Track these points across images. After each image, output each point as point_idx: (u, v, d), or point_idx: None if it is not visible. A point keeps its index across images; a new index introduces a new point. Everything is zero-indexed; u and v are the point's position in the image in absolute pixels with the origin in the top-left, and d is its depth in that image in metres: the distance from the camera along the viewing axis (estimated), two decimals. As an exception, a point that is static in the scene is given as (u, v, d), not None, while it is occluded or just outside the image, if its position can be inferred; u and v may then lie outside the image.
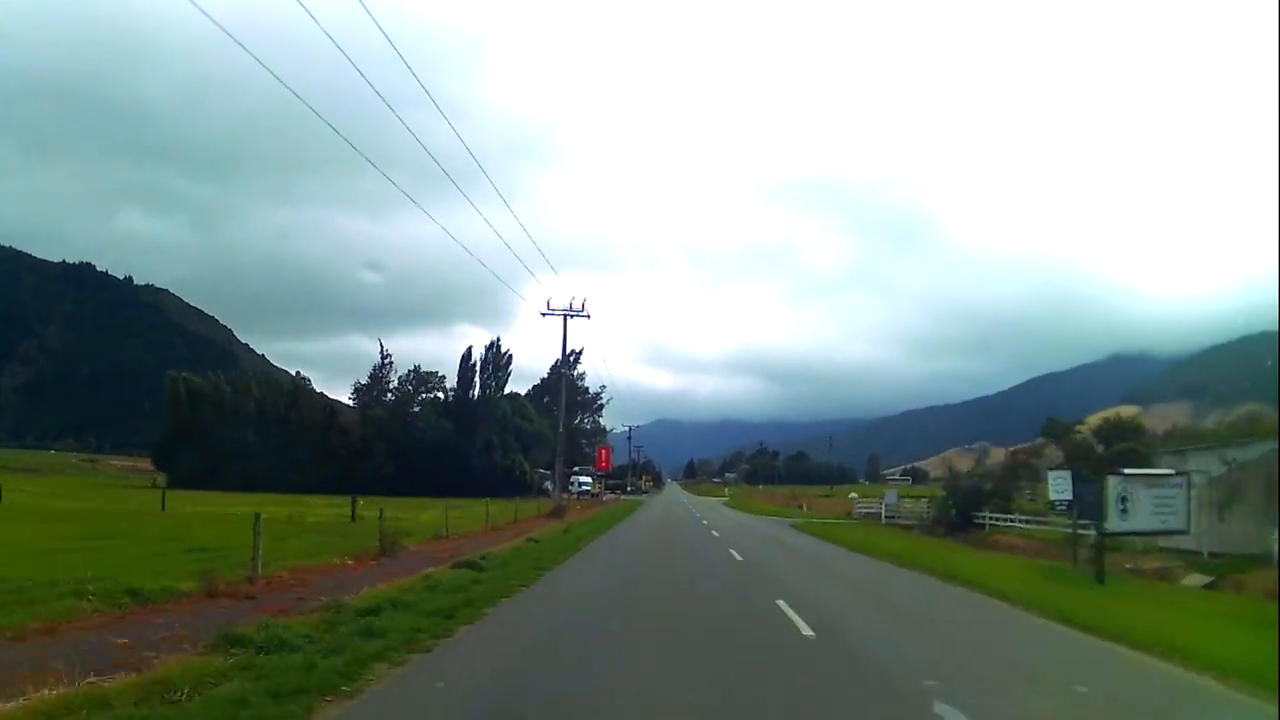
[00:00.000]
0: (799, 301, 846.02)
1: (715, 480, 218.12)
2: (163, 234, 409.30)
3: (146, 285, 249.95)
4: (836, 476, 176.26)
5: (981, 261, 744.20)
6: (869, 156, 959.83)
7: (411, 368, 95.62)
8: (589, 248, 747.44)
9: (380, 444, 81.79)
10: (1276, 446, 22.34)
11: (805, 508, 73.64)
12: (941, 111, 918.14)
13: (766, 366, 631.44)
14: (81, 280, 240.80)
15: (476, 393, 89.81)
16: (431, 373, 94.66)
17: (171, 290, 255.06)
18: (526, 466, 78.06)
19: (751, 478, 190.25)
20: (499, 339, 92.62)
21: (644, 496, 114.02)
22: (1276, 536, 20.15)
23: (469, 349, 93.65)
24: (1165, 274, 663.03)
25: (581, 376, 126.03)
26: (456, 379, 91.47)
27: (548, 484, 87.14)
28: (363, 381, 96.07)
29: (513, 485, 77.21)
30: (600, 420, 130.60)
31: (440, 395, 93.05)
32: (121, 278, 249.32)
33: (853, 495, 74.37)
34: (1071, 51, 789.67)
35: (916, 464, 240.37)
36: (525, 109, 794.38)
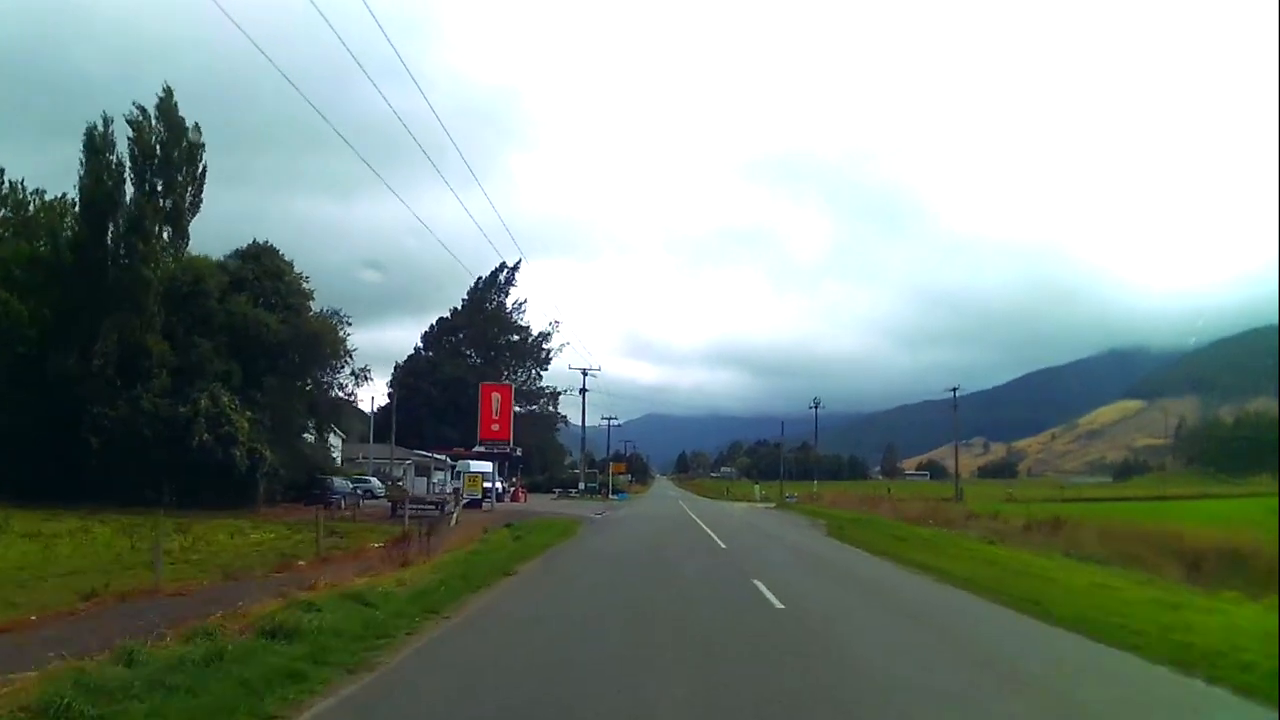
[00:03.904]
0: (783, 289, 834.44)
1: (714, 475, 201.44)
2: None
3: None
4: (848, 470, 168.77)
5: (972, 250, 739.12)
6: (856, 136, 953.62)
7: None
8: (560, 232, 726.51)
9: None
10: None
11: None
12: (937, 99, 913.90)
13: (751, 358, 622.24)
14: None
15: (118, 240, 37.27)
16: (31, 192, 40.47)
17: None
18: (244, 424, 36.57)
19: (751, 472, 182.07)
20: (169, 89, 36.70)
21: (604, 511, 51.09)
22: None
23: (104, 123, 37.10)
24: (1161, 267, 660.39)
25: (518, 306, 79.36)
26: (79, 202, 38.13)
27: (335, 481, 46.66)
28: None
29: (214, 475, 35.23)
30: (543, 376, 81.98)
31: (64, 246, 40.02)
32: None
33: None
34: (1069, 34, 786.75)
35: (931, 456, 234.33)
36: (485, 79, 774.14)
